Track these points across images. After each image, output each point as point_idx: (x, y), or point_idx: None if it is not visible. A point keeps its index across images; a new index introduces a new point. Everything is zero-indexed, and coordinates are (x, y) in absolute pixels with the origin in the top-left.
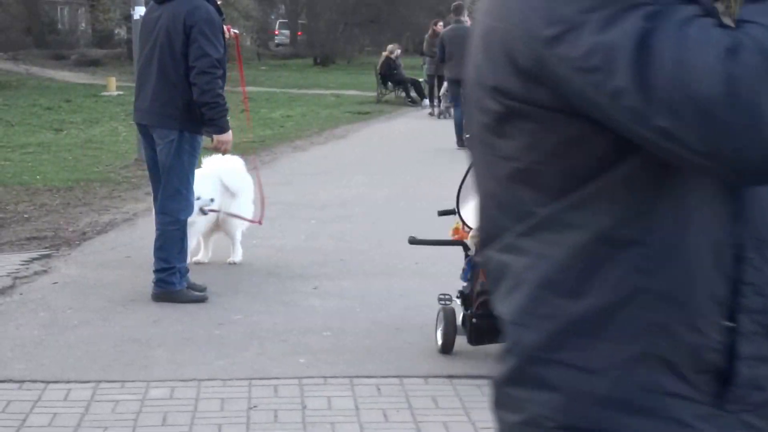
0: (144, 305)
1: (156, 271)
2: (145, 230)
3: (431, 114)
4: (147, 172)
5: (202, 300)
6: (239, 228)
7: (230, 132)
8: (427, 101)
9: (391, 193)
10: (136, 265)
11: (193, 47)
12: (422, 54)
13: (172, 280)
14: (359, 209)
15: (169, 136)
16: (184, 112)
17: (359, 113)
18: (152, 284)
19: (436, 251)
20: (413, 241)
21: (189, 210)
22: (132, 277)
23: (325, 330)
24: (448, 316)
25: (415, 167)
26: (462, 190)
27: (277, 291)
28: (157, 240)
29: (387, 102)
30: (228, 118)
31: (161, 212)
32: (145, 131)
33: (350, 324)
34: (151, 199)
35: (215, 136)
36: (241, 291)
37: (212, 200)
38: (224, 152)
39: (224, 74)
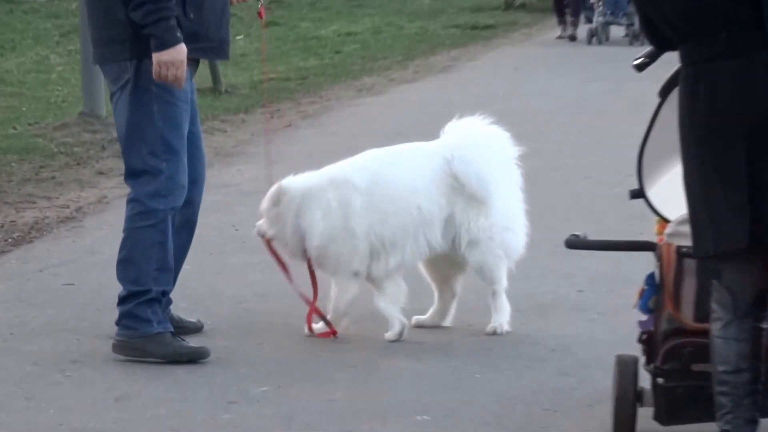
0: (98, 369)
1: (121, 301)
2: (97, 237)
3: (560, 37)
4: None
5: (201, 356)
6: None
7: (179, 48)
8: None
9: (534, 166)
10: (84, 298)
11: None
12: None
13: (144, 315)
14: None
15: (122, 76)
16: (134, 28)
17: (474, 29)
18: (115, 327)
19: (617, 265)
20: (573, 244)
21: (175, 194)
22: (76, 321)
23: (418, 411)
24: (626, 370)
25: (571, 122)
26: (645, 157)
27: (333, 345)
28: (121, 247)
29: (523, 8)
30: (172, 24)
31: (128, 200)
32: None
33: (463, 401)
34: (109, 183)
35: (154, 55)
36: (269, 345)
37: None
38: (174, 82)
39: None
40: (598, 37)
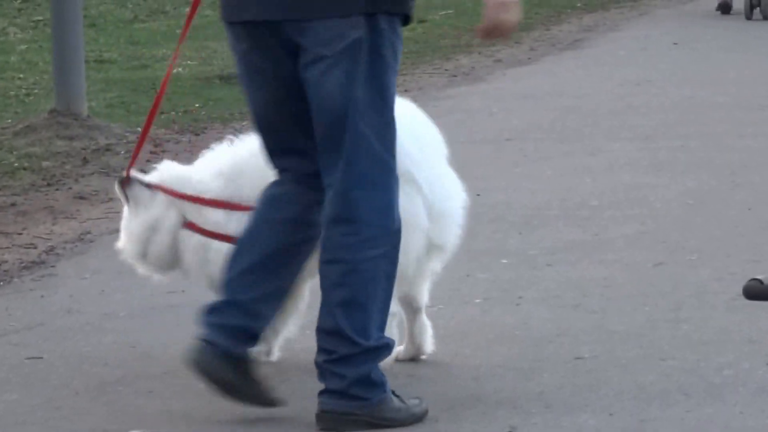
0: None
1: (342, 361)
2: (75, 290)
3: (720, 9)
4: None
5: (426, 413)
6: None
7: None
8: None
9: (705, 183)
10: (58, 378)
11: None
12: None
13: (379, 378)
14: (622, 228)
15: (346, 35)
16: None
17: None
18: (322, 396)
19: None
20: (757, 293)
21: (397, 203)
22: (46, 411)
23: None
24: None
25: (756, 121)
26: None
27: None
28: (337, 284)
29: None
30: None
31: (336, 217)
32: (267, 38)
33: None
34: (92, 212)
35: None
36: None
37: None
38: (503, 35)
39: None
40: (762, 9)
